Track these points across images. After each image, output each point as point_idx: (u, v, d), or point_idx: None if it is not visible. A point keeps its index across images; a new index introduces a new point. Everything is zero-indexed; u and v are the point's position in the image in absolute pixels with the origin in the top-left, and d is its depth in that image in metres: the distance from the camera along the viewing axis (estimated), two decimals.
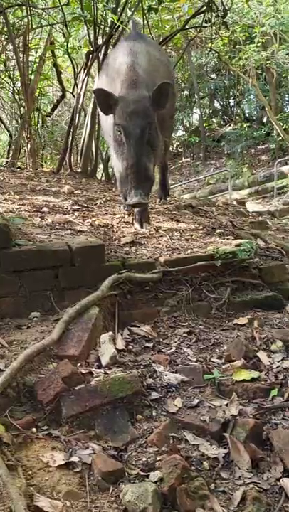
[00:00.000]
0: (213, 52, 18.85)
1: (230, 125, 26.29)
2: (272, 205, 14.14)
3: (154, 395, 2.52)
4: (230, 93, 26.87)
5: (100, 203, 5.07)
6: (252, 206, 13.42)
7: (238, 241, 3.92)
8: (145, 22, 7.61)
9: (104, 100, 3.72)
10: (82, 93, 7.69)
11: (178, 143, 26.93)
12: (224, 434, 2.34)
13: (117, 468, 2.02)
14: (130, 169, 3.61)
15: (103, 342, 2.80)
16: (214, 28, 8.71)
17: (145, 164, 3.68)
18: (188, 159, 25.67)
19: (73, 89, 8.88)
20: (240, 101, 26.86)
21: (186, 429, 2.36)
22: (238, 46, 17.91)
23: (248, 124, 24.31)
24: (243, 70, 20.60)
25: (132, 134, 3.67)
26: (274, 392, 2.59)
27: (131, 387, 2.43)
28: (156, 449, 2.18)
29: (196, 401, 2.51)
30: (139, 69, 3.93)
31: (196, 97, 25.97)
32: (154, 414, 2.42)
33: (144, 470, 2.04)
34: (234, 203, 10.58)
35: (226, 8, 7.71)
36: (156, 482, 1.95)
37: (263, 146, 23.36)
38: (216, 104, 29.06)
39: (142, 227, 4.23)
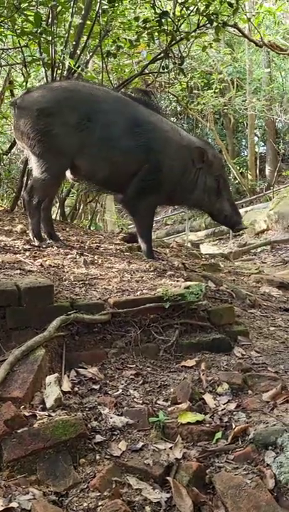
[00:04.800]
0: (172, 96, 19.27)
1: None
2: (228, 247, 14.33)
3: (99, 438, 2.50)
4: None
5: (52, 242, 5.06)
6: (207, 248, 13.59)
7: (188, 283, 3.95)
8: (104, 66, 7.77)
9: (202, 157, 5.02)
10: None
11: None
12: (167, 477, 2.33)
13: None
14: (234, 205, 5.44)
15: (49, 384, 2.77)
16: (172, 73, 8.92)
17: None
18: None
19: None
20: None
21: (130, 473, 2.35)
22: (196, 91, 18.35)
23: None
24: (201, 115, 21.13)
25: (227, 181, 5.48)
26: (218, 435, 2.60)
27: (75, 430, 2.42)
28: (99, 493, 2.17)
29: (140, 444, 2.51)
30: None
31: None
32: (97, 457, 2.40)
33: None
34: (189, 244, 10.70)
35: (183, 55, 7.91)
36: None
37: None
38: None
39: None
